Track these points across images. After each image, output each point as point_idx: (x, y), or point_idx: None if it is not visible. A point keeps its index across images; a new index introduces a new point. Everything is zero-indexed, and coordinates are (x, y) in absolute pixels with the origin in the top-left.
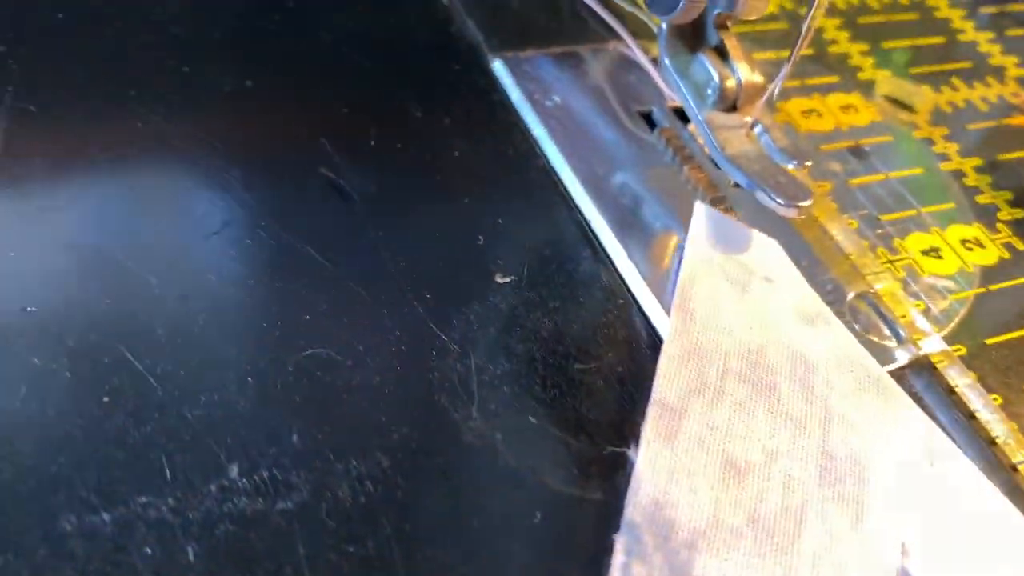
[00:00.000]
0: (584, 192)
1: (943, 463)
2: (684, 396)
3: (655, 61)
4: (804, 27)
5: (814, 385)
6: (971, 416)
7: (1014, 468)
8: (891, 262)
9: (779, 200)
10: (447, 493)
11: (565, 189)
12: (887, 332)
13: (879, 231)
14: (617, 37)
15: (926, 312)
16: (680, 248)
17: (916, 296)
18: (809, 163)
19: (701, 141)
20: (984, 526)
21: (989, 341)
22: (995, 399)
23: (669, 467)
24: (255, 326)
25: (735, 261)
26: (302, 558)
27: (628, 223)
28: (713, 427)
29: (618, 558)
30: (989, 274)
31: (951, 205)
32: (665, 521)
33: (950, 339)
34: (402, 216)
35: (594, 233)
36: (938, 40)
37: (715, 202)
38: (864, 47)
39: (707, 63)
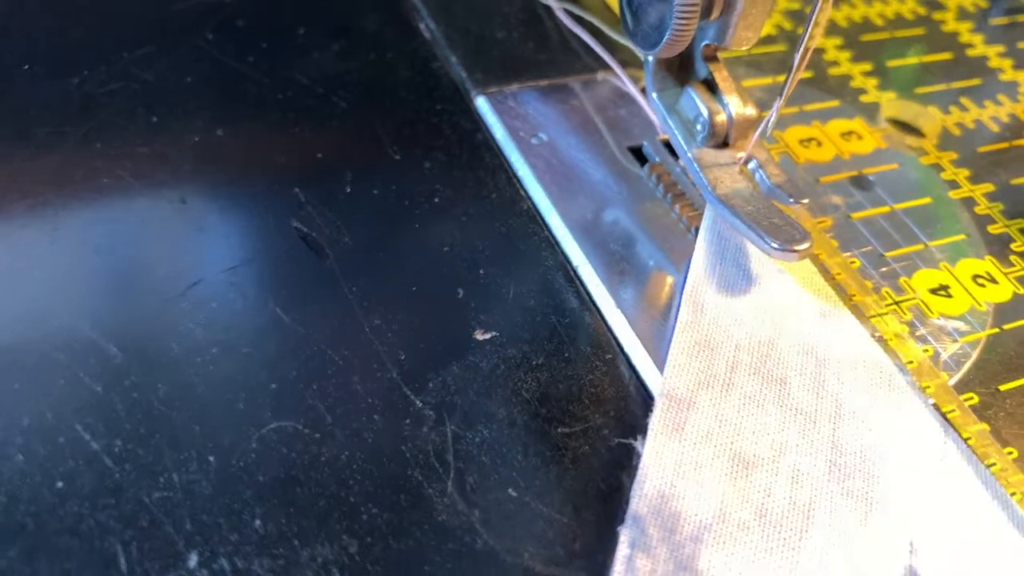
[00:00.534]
0: (571, 236)
1: (953, 463)
2: (693, 388)
3: (645, 91)
4: (798, 52)
5: (825, 380)
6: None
7: None
8: (897, 303)
9: (773, 244)
10: None
11: (551, 234)
12: None
13: (883, 269)
14: (607, 67)
15: (935, 357)
16: (674, 287)
17: (924, 340)
18: (806, 200)
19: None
20: (992, 529)
21: (1003, 388)
22: (1010, 452)
23: (676, 460)
24: (218, 398)
25: (748, 252)
26: None
27: (617, 268)
28: (722, 420)
29: (622, 550)
30: (1003, 312)
31: (961, 237)
32: (671, 514)
33: (961, 387)
34: (377, 270)
35: (581, 281)
36: (946, 56)
37: None
38: (867, 67)
39: (696, 97)
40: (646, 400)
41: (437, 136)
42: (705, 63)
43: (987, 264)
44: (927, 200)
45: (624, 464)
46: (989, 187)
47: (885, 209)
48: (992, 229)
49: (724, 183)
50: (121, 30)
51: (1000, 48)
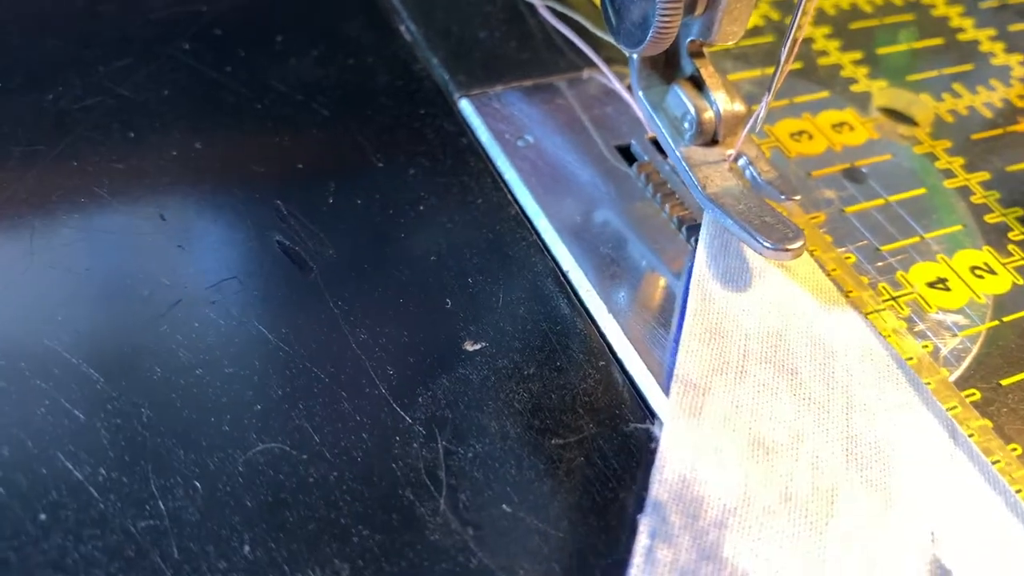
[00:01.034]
0: (560, 240)
1: (963, 456)
2: (707, 374)
3: (631, 89)
4: (786, 44)
5: (835, 371)
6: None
7: None
8: (894, 298)
9: (766, 244)
10: None
11: (540, 238)
12: None
13: (879, 263)
14: (592, 64)
15: (935, 353)
16: (668, 288)
17: (923, 336)
18: (798, 197)
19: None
20: (1004, 523)
21: (1005, 382)
22: (1014, 449)
23: (696, 443)
24: (203, 421)
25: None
26: None
27: (608, 272)
28: (738, 405)
29: (641, 541)
30: (1002, 304)
31: (958, 227)
32: (693, 499)
33: (962, 382)
34: (363, 282)
35: (572, 286)
36: (937, 42)
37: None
38: (857, 55)
39: (682, 95)
40: (640, 408)
41: (420, 141)
42: (691, 59)
43: (985, 255)
44: (922, 191)
45: (621, 474)
46: (984, 175)
47: (879, 202)
48: (989, 218)
49: (714, 181)
50: (95, 42)
51: (991, 31)
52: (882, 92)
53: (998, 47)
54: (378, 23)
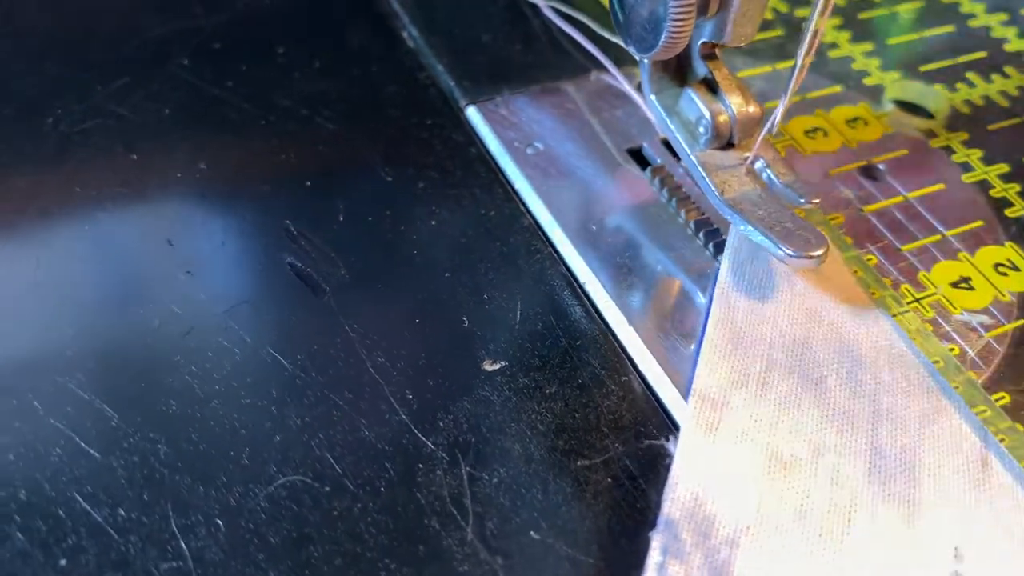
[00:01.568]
0: (575, 251)
1: (996, 469)
2: (727, 387)
3: (641, 89)
4: (803, 46)
5: (862, 380)
6: None
7: None
8: (918, 300)
9: (788, 251)
10: None
11: (555, 249)
12: None
13: (901, 264)
14: (599, 66)
15: (961, 356)
16: (687, 296)
17: (948, 338)
18: (817, 200)
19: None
20: None
21: None
22: None
23: (710, 461)
24: (222, 455)
25: None
26: None
27: (626, 282)
28: (757, 419)
29: (654, 557)
30: None
31: (979, 223)
32: (705, 517)
33: (990, 386)
34: (378, 303)
35: (589, 298)
36: (947, 29)
37: (719, 248)
38: (868, 47)
39: (696, 98)
40: (665, 422)
41: (429, 152)
42: (704, 61)
43: (1008, 251)
44: (940, 187)
45: (649, 493)
46: (1003, 167)
47: (898, 199)
48: (1010, 212)
49: (731, 187)
50: (93, 62)
51: (1002, 16)
52: (895, 84)
53: (1011, 32)
54: (380, 30)
